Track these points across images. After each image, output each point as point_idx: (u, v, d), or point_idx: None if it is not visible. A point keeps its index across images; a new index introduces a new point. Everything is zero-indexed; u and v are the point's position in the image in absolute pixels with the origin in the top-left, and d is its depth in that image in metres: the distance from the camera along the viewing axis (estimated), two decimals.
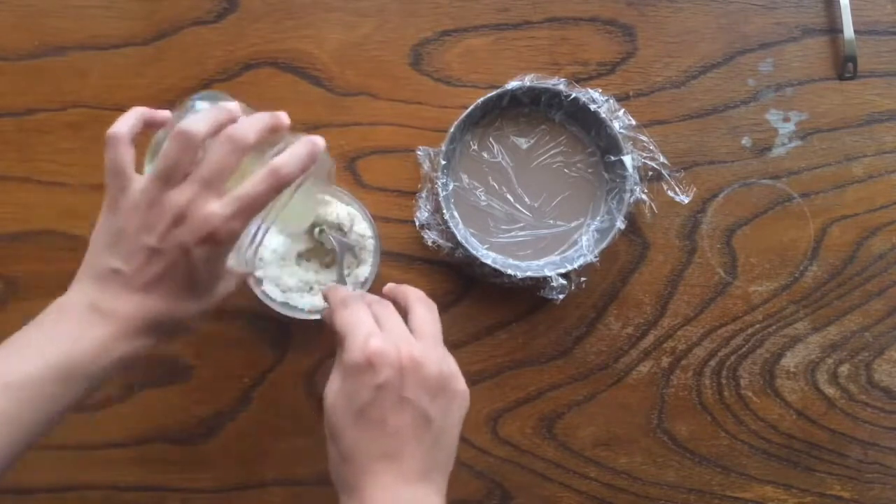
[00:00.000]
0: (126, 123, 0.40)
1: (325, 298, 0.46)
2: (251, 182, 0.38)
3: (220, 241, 0.38)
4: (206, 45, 0.59)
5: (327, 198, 0.55)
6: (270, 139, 0.41)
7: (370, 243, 0.54)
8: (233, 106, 0.41)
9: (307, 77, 0.59)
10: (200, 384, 0.59)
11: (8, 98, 0.58)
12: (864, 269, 0.62)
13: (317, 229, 0.54)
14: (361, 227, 0.54)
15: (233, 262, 0.42)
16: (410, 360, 0.40)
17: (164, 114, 0.42)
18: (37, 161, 0.58)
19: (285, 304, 0.54)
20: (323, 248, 0.55)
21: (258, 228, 0.41)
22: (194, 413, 0.59)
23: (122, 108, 0.58)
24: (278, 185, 0.38)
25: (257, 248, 0.42)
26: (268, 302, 0.53)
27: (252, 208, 0.38)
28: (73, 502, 0.59)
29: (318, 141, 0.40)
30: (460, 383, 0.42)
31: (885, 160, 0.62)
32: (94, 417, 0.58)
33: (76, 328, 0.38)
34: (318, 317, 0.53)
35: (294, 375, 0.59)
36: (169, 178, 0.38)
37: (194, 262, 0.38)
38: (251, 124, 0.39)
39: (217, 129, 0.39)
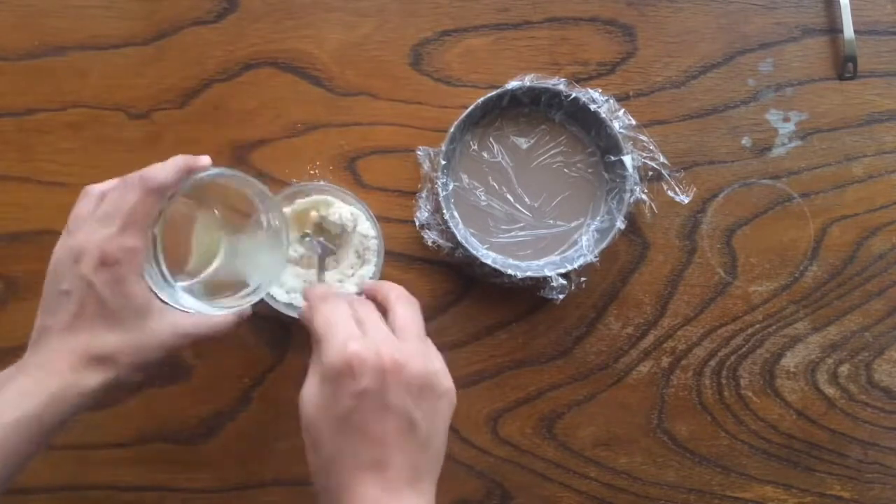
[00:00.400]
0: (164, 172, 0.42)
1: (305, 297, 0.45)
2: (122, 195, 0.41)
3: (114, 261, 0.40)
4: (206, 45, 0.59)
5: (330, 198, 0.55)
6: (243, 213, 0.44)
7: (374, 243, 0.54)
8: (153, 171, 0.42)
9: (307, 77, 0.59)
10: (200, 384, 0.59)
11: (8, 98, 0.58)
12: (864, 269, 0.62)
13: (304, 236, 0.54)
14: (364, 228, 0.54)
15: (188, 303, 0.43)
16: (392, 363, 0.38)
17: (205, 160, 0.43)
18: (37, 161, 0.58)
19: (289, 305, 0.54)
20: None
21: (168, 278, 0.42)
22: (194, 413, 0.59)
23: (122, 108, 0.58)
24: (149, 192, 0.40)
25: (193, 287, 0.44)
26: (272, 303, 0.53)
27: (133, 219, 0.40)
28: (73, 502, 0.59)
29: (202, 160, 0.42)
30: (446, 380, 0.41)
31: (885, 160, 0.62)
32: (94, 417, 0.58)
33: (23, 385, 0.40)
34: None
35: (294, 375, 0.59)
36: (71, 231, 0.42)
37: (99, 290, 0.40)
38: (161, 165, 0.41)
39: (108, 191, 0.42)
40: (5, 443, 0.38)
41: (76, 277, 0.40)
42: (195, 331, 0.43)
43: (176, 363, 0.59)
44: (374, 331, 0.40)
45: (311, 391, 0.40)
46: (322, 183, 0.57)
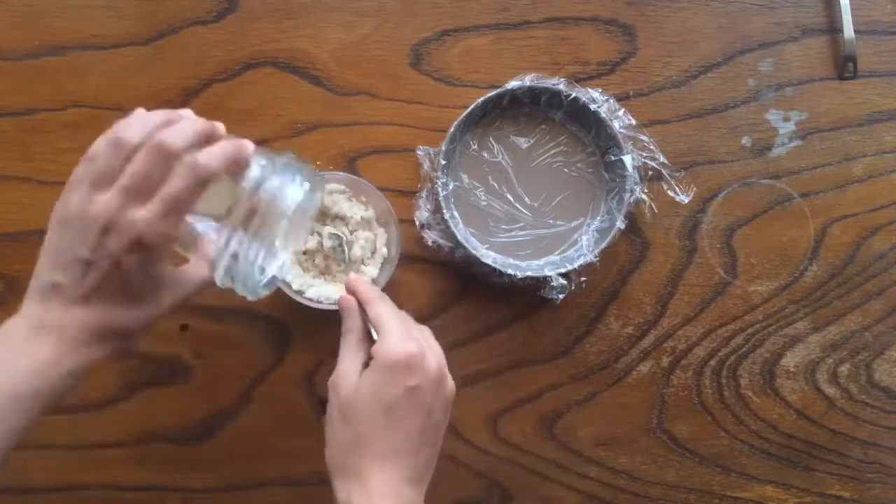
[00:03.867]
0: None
1: (349, 286, 0.48)
2: (171, 180, 0.37)
3: (148, 245, 0.37)
4: (206, 45, 0.59)
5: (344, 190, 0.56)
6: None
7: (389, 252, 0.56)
8: (180, 113, 0.40)
9: (307, 77, 0.59)
10: (200, 384, 0.59)
11: (8, 98, 0.58)
12: (864, 268, 0.62)
13: (326, 236, 0.55)
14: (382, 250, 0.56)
15: (214, 273, 0.41)
16: (438, 371, 0.43)
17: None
18: (37, 161, 0.58)
19: (299, 293, 0.54)
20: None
21: (230, 238, 0.39)
22: (194, 413, 0.59)
23: (122, 108, 0.58)
24: (197, 181, 0.37)
25: (231, 256, 0.39)
26: (286, 290, 0.53)
27: (176, 207, 0.37)
28: (73, 502, 0.59)
29: (247, 145, 0.39)
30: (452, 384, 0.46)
31: (885, 160, 0.62)
32: (95, 417, 0.58)
33: (21, 349, 0.38)
34: (320, 306, 0.53)
35: (294, 375, 0.59)
36: (98, 185, 0.37)
37: (127, 271, 0.37)
38: (181, 129, 0.38)
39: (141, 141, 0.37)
40: (17, 412, 0.37)
41: (103, 251, 0.37)
42: (185, 292, 0.42)
43: (176, 363, 0.59)
44: (422, 339, 0.45)
45: (353, 372, 0.44)
46: (342, 174, 0.56)
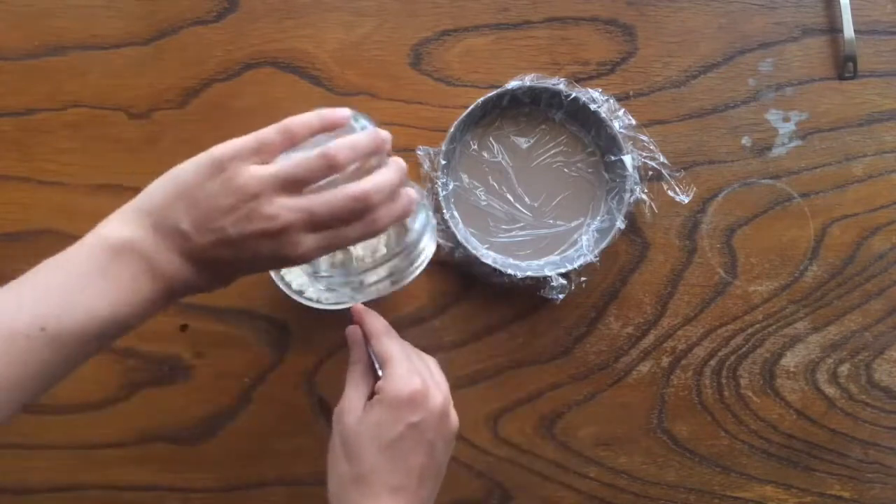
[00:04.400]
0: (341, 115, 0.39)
1: (357, 319, 0.48)
2: (353, 226, 0.37)
3: (283, 232, 0.36)
4: (206, 45, 0.59)
5: None
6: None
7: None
8: (386, 136, 0.40)
9: (307, 77, 0.59)
10: (200, 384, 0.59)
11: (8, 98, 0.58)
12: (864, 268, 0.62)
13: None
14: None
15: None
16: (442, 408, 0.44)
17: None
18: (37, 161, 0.58)
19: (299, 293, 0.53)
20: None
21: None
22: (194, 413, 0.59)
23: (122, 108, 0.58)
24: (370, 235, 0.38)
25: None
26: (286, 290, 0.53)
27: (339, 245, 0.38)
28: (73, 502, 0.59)
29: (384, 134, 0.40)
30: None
31: (885, 160, 0.62)
32: (94, 417, 0.58)
33: (129, 285, 0.35)
34: (320, 306, 0.53)
35: (294, 375, 0.59)
36: (291, 187, 0.36)
37: (259, 260, 0.37)
38: (383, 182, 0.38)
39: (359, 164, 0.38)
40: (99, 342, 0.36)
41: (243, 214, 0.35)
42: None
43: (176, 363, 0.59)
44: (426, 372, 0.45)
45: (357, 405, 0.44)
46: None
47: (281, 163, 0.37)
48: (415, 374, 0.44)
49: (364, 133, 0.39)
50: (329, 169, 0.36)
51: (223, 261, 0.37)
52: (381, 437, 0.42)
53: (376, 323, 0.48)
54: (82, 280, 0.35)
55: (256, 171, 0.36)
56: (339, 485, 0.43)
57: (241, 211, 0.35)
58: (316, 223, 0.36)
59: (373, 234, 0.38)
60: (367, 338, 0.47)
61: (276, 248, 0.36)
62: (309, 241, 0.36)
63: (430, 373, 0.46)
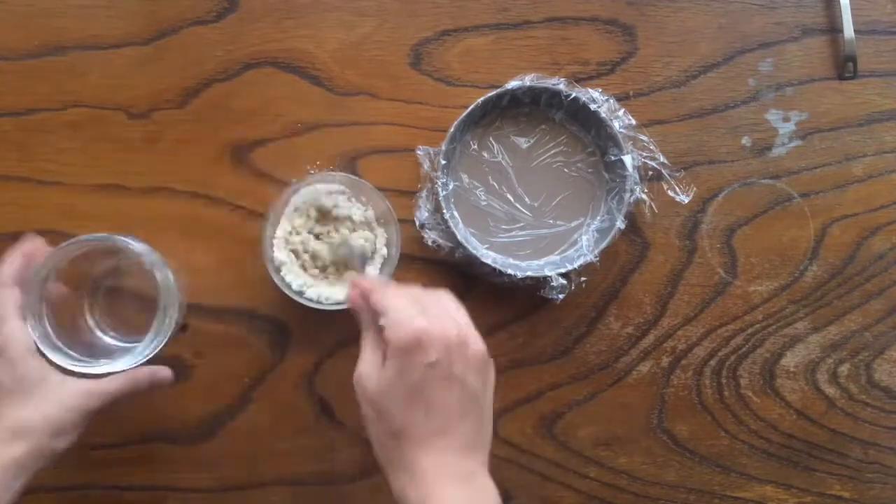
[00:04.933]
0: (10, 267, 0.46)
1: (355, 286, 0.47)
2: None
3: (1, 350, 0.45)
4: (206, 45, 0.59)
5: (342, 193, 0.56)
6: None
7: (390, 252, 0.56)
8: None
9: (307, 77, 0.59)
10: (200, 384, 0.59)
11: (8, 98, 0.58)
12: (864, 268, 0.62)
13: (341, 245, 0.55)
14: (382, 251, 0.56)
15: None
16: (457, 338, 0.41)
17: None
18: (37, 161, 0.58)
19: (299, 293, 0.54)
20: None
21: None
22: (194, 413, 0.59)
23: (122, 108, 0.58)
24: (2, 286, 0.46)
25: None
26: (286, 291, 0.53)
27: (9, 309, 0.46)
28: (73, 502, 0.59)
29: (37, 248, 0.49)
30: (490, 359, 0.44)
31: (885, 160, 0.62)
32: (94, 417, 0.58)
33: None
34: (320, 306, 0.53)
35: (294, 375, 0.59)
36: None
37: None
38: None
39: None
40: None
41: None
42: (100, 389, 0.46)
43: (176, 363, 0.59)
44: (435, 309, 0.43)
45: (373, 367, 0.42)
46: (341, 175, 0.56)
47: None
48: (416, 314, 0.41)
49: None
50: None
51: None
52: (404, 388, 0.41)
53: (371, 282, 0.46)
54: None
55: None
56: (381, 447, 0.42)
57: None
58: None
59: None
60: (366, 300, 0.46)
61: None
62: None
63: (441, 307, 0.43)
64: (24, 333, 0.45)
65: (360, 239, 0.55)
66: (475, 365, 0.42)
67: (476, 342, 0.43)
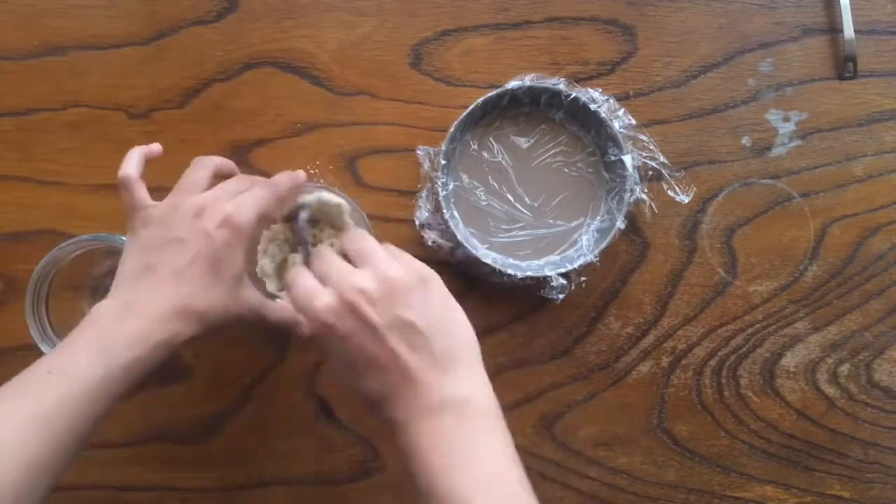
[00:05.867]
0: (133, 165, 0.46)
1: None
2: (253, 188, 0.46)
3: (235, 224, 0.43)
4: (206, 45, 0.59)
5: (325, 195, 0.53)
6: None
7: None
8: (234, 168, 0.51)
9: (307, 77, 0.59)
10: (200, 384, 0.59)
11: (8, 98, 0.58)
12: (864, 268, 0.62)
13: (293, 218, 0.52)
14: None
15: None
16: (355, 295, 0.38)
17: (157, 147, 0.48)
18: (37, 161, 0.58)
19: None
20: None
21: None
22: (194, 413, 0.59)
23: (122, 108, 0.59)
24: (278, 199, 0.46)
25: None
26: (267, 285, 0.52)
27: (258, 203, 0.44)
28: (73, 502, 0.59)
29: (301, 176, 0.48)
30: (419, 270, 0.41)
31: (885, 160, 0.62)
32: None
33: (113, 324, 0.41)
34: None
35: (294, 375, 0.59)
36: (188, 190, 0.45)
37: (217, 246, 0.42)
38: (280, 178, 0.48)
39: (220, 172, 0.48)
40: (117, 385, 0.40)
41: (197, 229, 0.43)
42: (268, 314, 0.46)
43: (176, 363, 0.59)
44: (331, 274, 0.41)
45: (324, 358, 0.43)
46: (318, 183, 0.57)
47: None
48: (315, 297, 0.40)
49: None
50: (203, 166, 0.48)
51: (188, 261, 0.44)
52: (346, 367, 0.40)
53: (292, 272, 0.44)
54: (76, 336, 0.42)
55: (160, 204, 0.46)
56: (376, 419, 0.41)
57: (174, 220, 0.45)
58: (219, 195, 0.46)
59: (275, 189, 0.46)
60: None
61: (211, 217, 0.44)
62: (231, 202, 0.45)
63: (337, 268, 0.41)
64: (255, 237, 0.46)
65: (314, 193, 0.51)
66: (391, 300, 0.39)
67: (383, 278, 0.39)
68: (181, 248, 0.42)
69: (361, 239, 0.43)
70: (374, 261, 0.41)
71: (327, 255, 0.43)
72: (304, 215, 0.47)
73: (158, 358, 0.41)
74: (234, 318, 0.44)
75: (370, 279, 0.39)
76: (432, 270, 0.42)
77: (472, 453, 0.38)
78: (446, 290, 0.42)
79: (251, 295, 0.46)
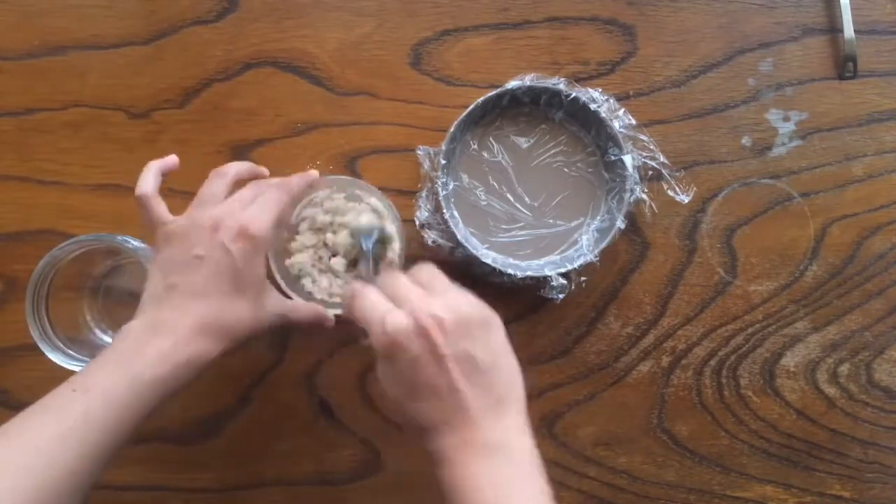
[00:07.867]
0: (149, 182, 0.47)
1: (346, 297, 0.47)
2: (269, 192, 0.47)
3: (251, 235, 0.43)
4: (206, 45, 0.59)
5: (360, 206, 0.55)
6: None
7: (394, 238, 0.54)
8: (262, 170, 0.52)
9: (307, 77, 0.59)
10: (200, 384, 0.58)
11: (8, 98, 0.58)
12: (864, 268, 0.62)
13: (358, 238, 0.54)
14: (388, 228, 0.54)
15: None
16: (431, 321, 0.39)
17: (173, 159, 0.49)
18: (37, 161, 0.58)
19: (323, 301, 0.53)
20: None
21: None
22: (194, 413, 0.59)
23: (122, 108, 0.59)
24: (293, 200, 0.48)
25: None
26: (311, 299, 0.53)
27: (273, 208, 0.46)
28: None
29: (314, 174, 0.51)
30: (484, 310, 0.42)
31: (885, 160, 0.62)
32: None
33: (141, 341, 0.42)
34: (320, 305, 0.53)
35: (294, 375, 0.59)
36: (206, 203, 0.46)
37: (235, 259, 0.43)
38: (294, 179, 0.49)
39: (239, 178, 0.49)
40: (141, 401, 0.40)
41: (214, 244, 0.43)
42: (293, 315, 0.48)
43: None
44: (405, 296, 0.41)
45: (379, 374, 0.42)
46: (346, 178, 0.55)
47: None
48: (389, 313, 0.40)
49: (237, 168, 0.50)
50: (220, 178, 0.48)
51: (209, 277, 0.44)
52: (402, 388, 0.40)
53: (354, 287, 0.45)
54: (106, 353, 0.43)
55: (179, 219, 0.47)
56: (418, 441, 0.42)
57: (192, 237, 0.45)
58: (237, 204, 0.46)
59: (287, 189, 0.48)
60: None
61: (228, 230, 0.44)
62: (245, 213, 0.45)
63: (416, 292, 0.42)
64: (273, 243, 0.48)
65: (365, 215, 0.54)
66: (462, 333, 0.40)
67: (456, 311, 0.40)
68: (201, 266, 0.43)
69: (431, 271, 0.44)
70: (447, 294, 0.42)
71: (401, 279, 0.43)
72: (372, 238, 0.51)
73: (184, 377, 0.42)
74: (261, 326, 0.45)
75: (445, 309, 0.40)
76: (495, 313, 0.42)
77: (514, 498, 0.39)
78: (500, 324, 0.42)
79: (275, 299, 0.47)
